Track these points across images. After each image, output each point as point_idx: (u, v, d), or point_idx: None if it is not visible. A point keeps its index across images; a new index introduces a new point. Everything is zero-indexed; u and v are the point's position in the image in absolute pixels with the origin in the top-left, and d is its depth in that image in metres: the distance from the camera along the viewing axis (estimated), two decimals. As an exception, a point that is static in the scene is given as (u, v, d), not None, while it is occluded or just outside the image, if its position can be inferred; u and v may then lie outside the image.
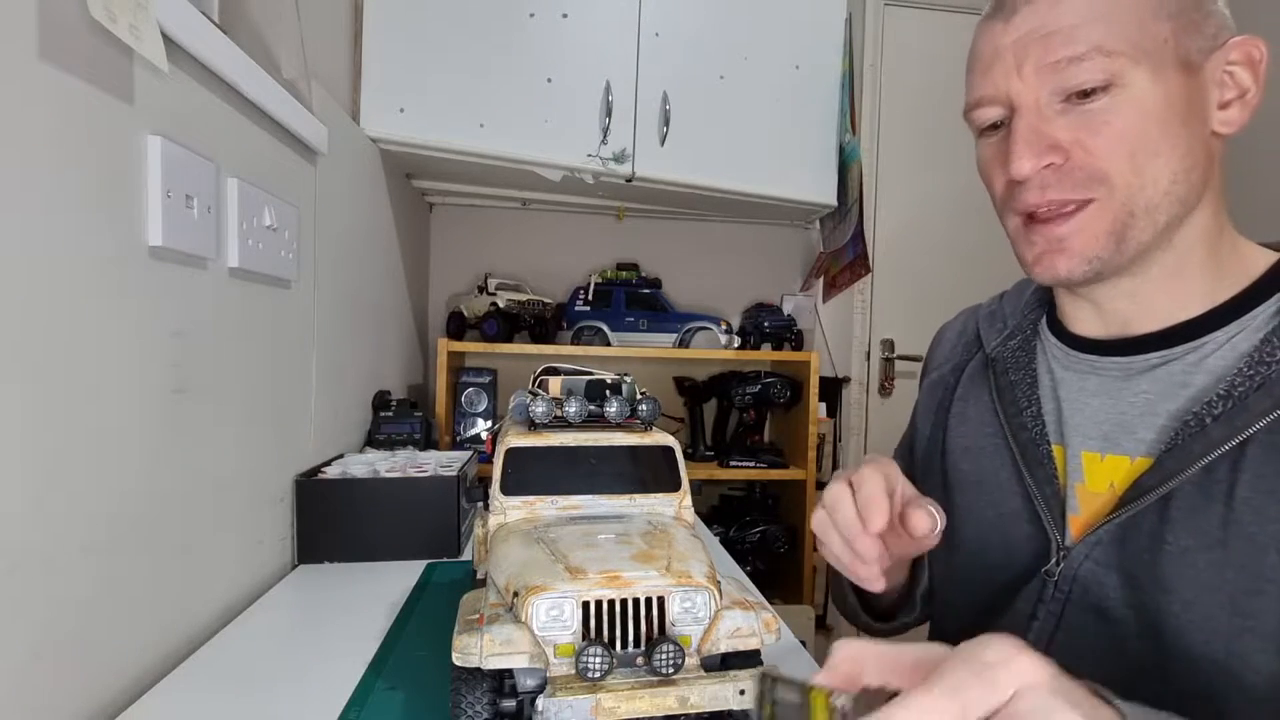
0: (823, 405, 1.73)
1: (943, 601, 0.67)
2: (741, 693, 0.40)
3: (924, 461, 0.72)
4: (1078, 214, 0.51)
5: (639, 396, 0.55)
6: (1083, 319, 0.59)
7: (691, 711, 0.39)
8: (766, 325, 1.65)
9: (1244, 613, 0.45)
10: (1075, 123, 0.50)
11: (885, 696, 0.29)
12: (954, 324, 0.77)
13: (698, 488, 1.73)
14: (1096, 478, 0.54)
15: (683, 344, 1.59)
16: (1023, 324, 0.66)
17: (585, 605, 0.40)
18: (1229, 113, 0.51)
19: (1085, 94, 0.50)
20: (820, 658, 0.45)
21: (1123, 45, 0.48)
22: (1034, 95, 0.51)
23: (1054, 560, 0.54)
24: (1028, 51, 0.51)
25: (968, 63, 0.57)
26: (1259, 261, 0.53)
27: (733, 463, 1.62)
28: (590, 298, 1.62)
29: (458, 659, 0.39)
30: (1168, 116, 0.49)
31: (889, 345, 2.08)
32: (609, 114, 1.33)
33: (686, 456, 0.75)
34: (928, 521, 0.48)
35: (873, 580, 0.51)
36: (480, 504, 0.55)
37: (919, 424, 0.76)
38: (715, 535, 1.43)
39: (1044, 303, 0.65)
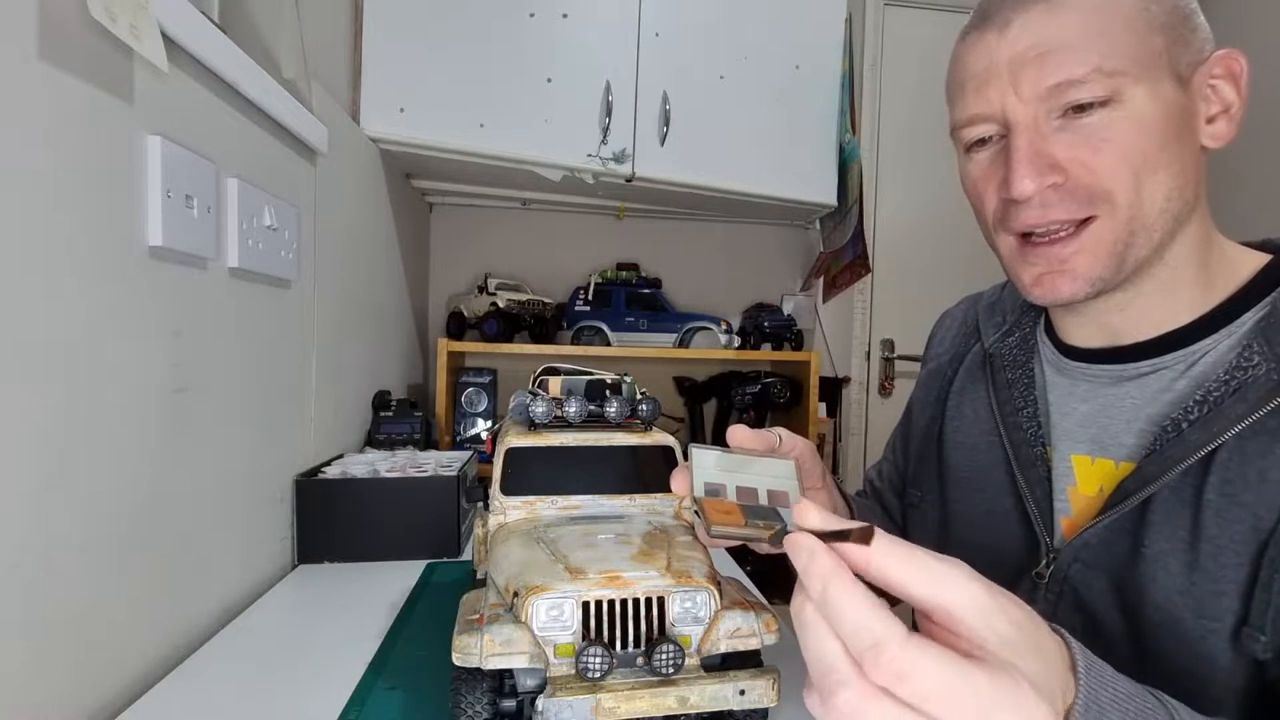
0: (823, 405, 1.73)
1: None
2: (741, 693, 0.40)
3: (919, 455, 0.72)
4: (1079, 233, 0.50)
5: (639, 396, 0.55)
6: (1074, 330, 0.59)
7: (691, 711, 0.39)
8: (766, 325, 1.65)
9: (1209, 614, 0.45)
10: (1074, 140, 0.49)
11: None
12: (955, 312, 0.77)
13: (698, 488, 1.72)
14: (1088, 481, 0.55)
15: (683, 344, 1.59)
16: (1022, 321, 0.65)
17: (585, 605, 0.40)
18: (1216, 127, 0.51)
19: (1082, 108, 0.48)
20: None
21: (1123, 62, 0.47)
22: (1031, 113, 0.50)
23: (1044, 562, 0.54)
24: (1024, 70, 0.49)
25: (954, 77, 0.55)
26: (1245, 265, 0.53)
27: (733, 463, 1.62)
28: (590, 298, 1.62)
29: (458, 659, 0.39)
30: (1165, 132, 0.48)
31: (889, 345, 2.08)
32: (609, 114, 1.33)
33: (686, 457, 0.75)
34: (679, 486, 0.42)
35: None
36: (480, 504, 0.55)
37: (915, 417, 0.75)
38: (715, 535, 1.42)
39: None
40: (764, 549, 0.48)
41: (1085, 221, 0.50)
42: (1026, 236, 0.53)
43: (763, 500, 0.39)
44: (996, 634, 0.29)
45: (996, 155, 0.53)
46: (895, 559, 0.30)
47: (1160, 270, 0.52)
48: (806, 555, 0.30)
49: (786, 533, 0.33)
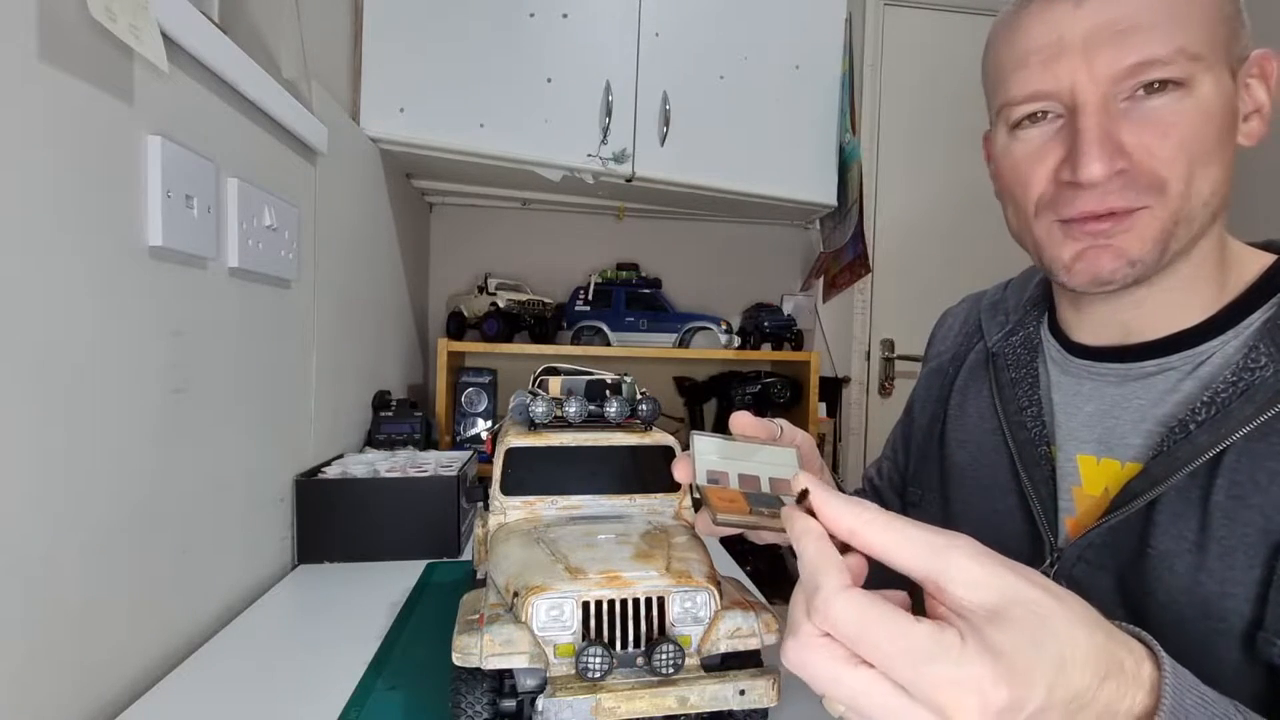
0: (823, 405, 1.72)
1: None
2: (741, 693, 0.40)
3: (920, 453, 0.72)
4: (1128, 219, 0.49)
5: (639, 396, 0.55)
6: (1082, 328, 0.58)
7: (691, 711, 0.39)
8: (766, 325, 1.65)
9: (1215, 615, 0.45)
10: (1141, 123, 0.47)
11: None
12: (957, 310, 0.76)
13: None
14: (1093, 481, 0.54)
15: (683, 344, 1.59)
16: (1025, 320, 0.65)
17: (585, 605, 0.40)
18: (1250, 125, 0.50)
19: (1152, 91, 0.46)
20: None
21: (1202, 47, 0.46)
22: (1102, 93, 0.47)
23: (1048, 561, 0.54)
24: (1101, 47, 0.47)
25: (1013, 49, 0.51)
26: (1252, 265, 0.53)
27: (733, 463, 1.61)
28: (590, 298, 1.62)
29: (458, 659, 0.39)
30: (1223, 124, 0.47)
31: (889, 345, 2.08)
32: (609, 114, 1.33)
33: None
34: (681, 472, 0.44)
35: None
36: (480, 504, 0.55)
37: (915, 414, 0.75)
38: (715, 535, 1.42)
39: (1046, 298, 0.64)
40: (764, 538, 0.48)
41: (1136, 210, 0.49)
42: (1071, 220, 0.51)
43: (765, 488, 0.39)
44: (981, 604, 0.28)
45: (1053, 135, 0.50)
46: (877, 527, 0.30)
47: (1184, 266, 0.51)
48: (788, 520, 0.33)
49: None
